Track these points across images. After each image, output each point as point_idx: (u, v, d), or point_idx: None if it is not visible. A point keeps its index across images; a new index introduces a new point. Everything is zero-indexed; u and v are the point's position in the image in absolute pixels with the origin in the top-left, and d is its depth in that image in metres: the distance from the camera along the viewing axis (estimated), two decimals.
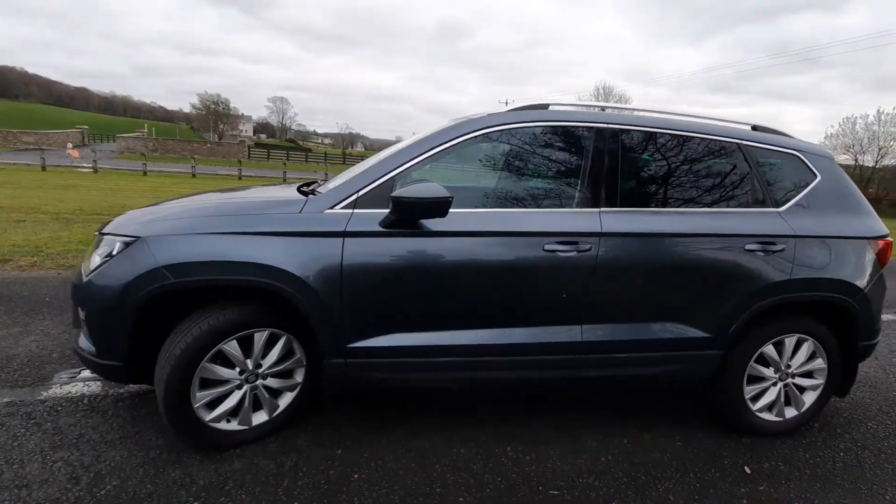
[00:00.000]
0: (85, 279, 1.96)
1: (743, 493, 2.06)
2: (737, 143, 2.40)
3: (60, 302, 3.73)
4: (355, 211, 2.00)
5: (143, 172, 20.16)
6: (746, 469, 2.23)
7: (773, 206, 2.38)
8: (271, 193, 2.51)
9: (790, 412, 2.50)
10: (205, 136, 67.91)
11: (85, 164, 21.19)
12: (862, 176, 29.89)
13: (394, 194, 1.89)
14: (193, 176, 21.27)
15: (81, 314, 2.02)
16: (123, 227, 2.01)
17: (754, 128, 2.56)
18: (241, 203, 2.15)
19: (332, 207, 2.01)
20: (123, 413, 2.29)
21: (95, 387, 2.50)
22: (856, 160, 31.95)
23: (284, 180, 23.37)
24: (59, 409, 2.28)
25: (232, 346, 1.95)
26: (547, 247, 2.08)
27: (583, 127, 2.24)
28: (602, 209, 2.18)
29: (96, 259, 2.00)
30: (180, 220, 1.97)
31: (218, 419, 2.00)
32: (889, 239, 2.48)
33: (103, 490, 1.79)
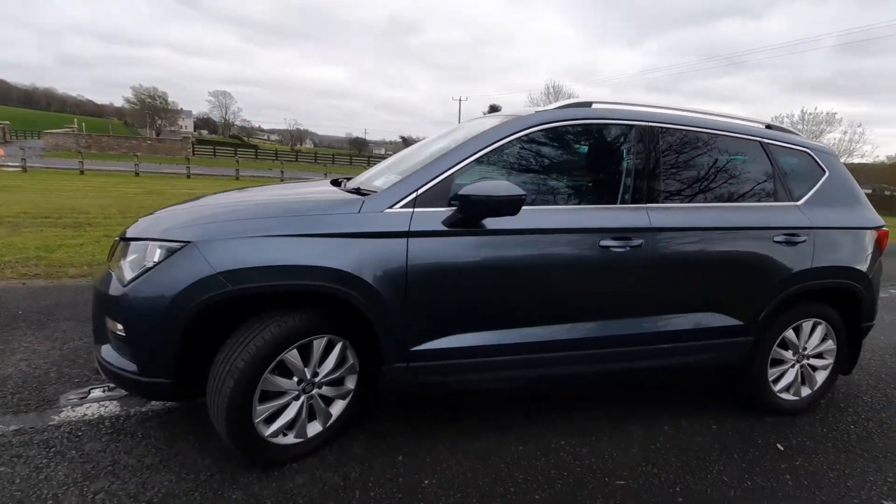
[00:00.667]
0: (122, 290, 1.78)
1: (784, 468, 2.20)
2: (759, 141, 2.55)
3: (37, 315, 3.37)
4: (415, 210, 1.94)
5: (79, 171, 18.56)
6: (779, 446, 2.38)
7: (793, 201, 2.54)
8: (313, 191, 2.40)
9: (805, 391, 2.69)
10: (140, 132, 63.64)
11: (11, 163, 19.20)
12: None
13: (462, 192, 1.85)
14: (137, 175, 19.83)
15: (116, 329, 1.84)
16: (162, 232, 1.84)
17: (768, 126, 2.72)
18: (293, 204, 2.03)
19: (391, 207, 1.94)
20: (155, 433, 2.11)
21: (113, 406, 2.29)
22: None
23: (237, 178, 22.37)
24: (80, 434, 2.07)
25: (293, 356, 1.85)
26: (602, 243, 2.12)
27: (626, 124, 2.29)
28: (648, 205, 2.24)
29: (129, 268, 1.83)
30: (230, 222, 1.83)
31: (276, 433, 1.89)
32: (885, 228, 2.73)
33: None
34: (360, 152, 73.60)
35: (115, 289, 1.82)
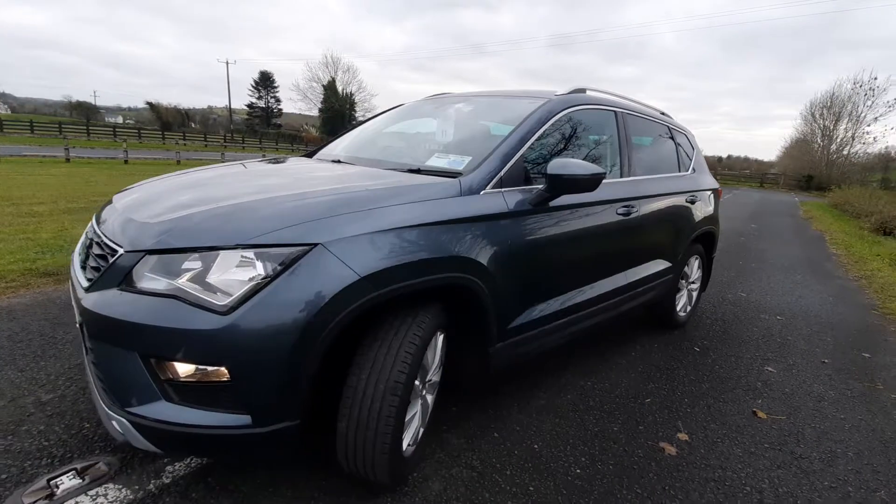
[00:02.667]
0: (223, 321, 1.29)
1: (710, 363, 3.11)
2: (667, 125, 3.35)
3: None
4: (503, 190, 1.95)
5: None
6: (696, 348, 3.32)
7: (687, 171, 3.45)
8: (374, 173, 2.05)
9: (688, 308, 3.76)
10: None
11: None
12: None
13: (553, 172, 1.94)
14: None
15: (201, 376, 1.33)
16: (255, 236, 1.38)
17: (661, 113, 3.56)
18: (396, 189, 1.74)
19: (483, 189, 1.90)
20: (217, 502, 1.60)
21: (114, 492, 1.60)
22: None
23: None
24: None
25: (426, 357, 1.68)
26: (618, 211, 2.52)
27: (611, 110, 2.71)
28: (633, 178, 2.74)
29: (212, 289, 1.34)
30: (347, 216, 1.50)
31: (408, 446, 1.71)
32: (720, 188, 3.95)
33: None
34: (90, 121, 57.34)
35: (199, 321, 1.30)
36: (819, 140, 37.63)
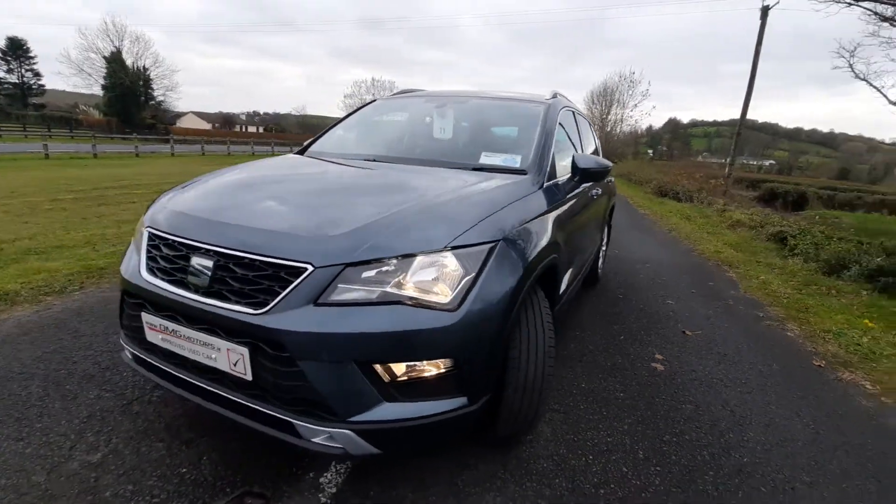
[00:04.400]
0: (453, 318, 1.44)
1: (634, 303, 4.07)
2: (586, 119, 4.13)
3: None
4: (551, 182, 2.36)
5: None
6: (619, 295, 4.28)
7: (601, 156, 4.31)
8: (464, 176, 2.18)
9: (602, 265, 4.74)
10: None
11: None
12: None
13: (584, 166, 2.44)
14: None
15: (443, 365, 1.46)
16: (452, 238, 1.53)
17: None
18: (500, 188, 1.96)
19: (545, 182, 2.28)
20: None
21: None
22: None
23: None
24: None
25: None
26: (591, 193, 3.16)
27: (570, 109, 3.31)
28: None
29: (431, 290, 1.47)
30: (498, 214, 1.72)
31: None
32: None
33: None
34: None
35: (433, 321, 1.42)
36: (598, 122, 46.51)
